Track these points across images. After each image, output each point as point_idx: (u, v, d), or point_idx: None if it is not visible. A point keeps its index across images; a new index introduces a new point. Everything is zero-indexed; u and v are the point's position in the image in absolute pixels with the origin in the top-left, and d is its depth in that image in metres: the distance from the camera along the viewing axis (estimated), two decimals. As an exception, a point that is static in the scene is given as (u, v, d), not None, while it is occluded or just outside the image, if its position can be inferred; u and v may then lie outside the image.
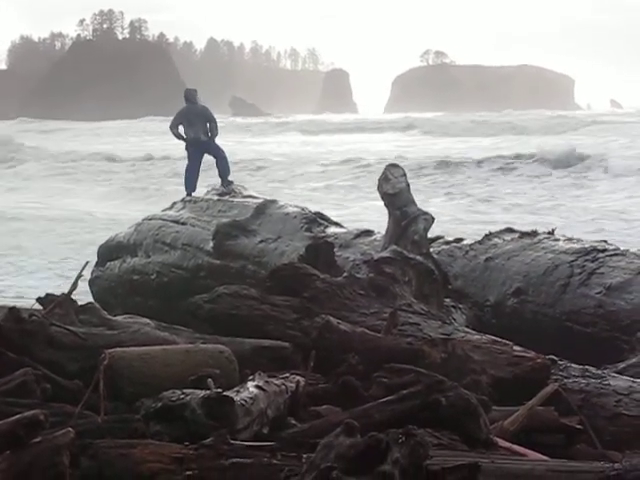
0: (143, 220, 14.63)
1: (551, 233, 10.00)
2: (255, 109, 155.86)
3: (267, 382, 5.18)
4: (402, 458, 3.61)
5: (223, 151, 15.80)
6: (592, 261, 9.09)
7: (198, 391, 4.85)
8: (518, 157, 40.84)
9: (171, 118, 16.34)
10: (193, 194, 15.15)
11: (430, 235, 9.99)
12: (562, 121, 78.40)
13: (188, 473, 4.19)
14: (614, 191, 32.56)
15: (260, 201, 13.29)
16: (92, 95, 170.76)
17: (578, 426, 5.64)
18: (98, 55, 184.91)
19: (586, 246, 9.38)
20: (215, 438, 4.33)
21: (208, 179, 16.51)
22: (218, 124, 16.13)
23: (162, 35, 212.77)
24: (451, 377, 5.26)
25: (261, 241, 12.28)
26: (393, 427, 3.91)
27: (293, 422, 5.16)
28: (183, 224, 13.65)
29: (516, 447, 4.96)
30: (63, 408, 5.21)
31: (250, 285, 7.98)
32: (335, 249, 9.10)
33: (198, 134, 15.70)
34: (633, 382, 6.29)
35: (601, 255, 9.12)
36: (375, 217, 18.62)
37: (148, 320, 7.17)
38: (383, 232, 10.34)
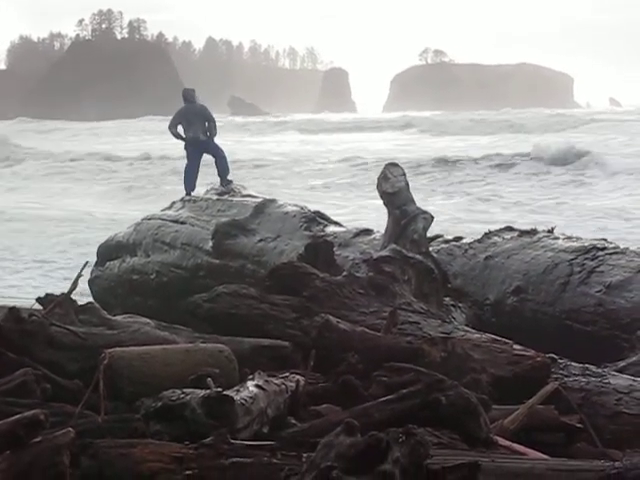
0: (142, 220, 14.63)
1: (551, 231, 10.00)
2: (254, 108, 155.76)
3: (267, 381, 5.18)
4: (402, 457, 3.61)
5: (222, 150, 15.79)
6: (592, 259, 9.08)
7: (198, 390, 4.85)
8: (517, 155, 40.84)
9: (170, 118, 16.32)
10: (192, 193, 15.15)
11: (429, 234, 9.99)
12: (561, 119, 78.43)
13: (188, 472, 4.19)
14: (613, 189, 32.56)
15: (259, 200, 13.29)
16: (91, 95, 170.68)
17: (578, 425, 5.64)
18: (97, 55, 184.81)
19: (586, 244, 9.38)
20: (215, 437, 4.33)
21: (207, 178, 16.50)
22: (217, 123, 16.12)
23: (161, 35, 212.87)
24: (451, 376, 5.25)
25: (260, 240, 12.28)
26: (393, 426, 3.91)
27: (293, 421, 5.16)
28: (182, 223, 13.65)
29: (516, 446, 4.96)
30: (63, 408, 5.21)
31: (249, 284, 7.98)
32: (334, 248, 9.09)
33: (197, 134, 15.69)
34: (633, 380, 6.29)
35: (601, 253, 9.12)
36: (374, 216, 18.63)
37: (148, 320, 7.18)
38: (382, 231, 10.34)
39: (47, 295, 7.20)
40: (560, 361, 6.52)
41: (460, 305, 9.08)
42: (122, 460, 4.26)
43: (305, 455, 4.07)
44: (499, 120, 79.70)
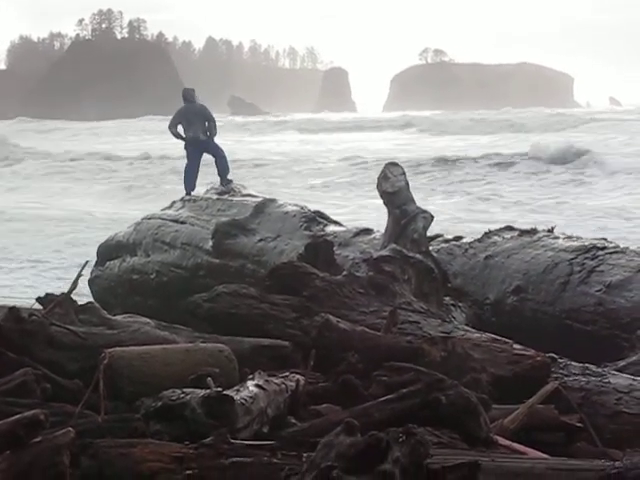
0: (142, 219, 14.63)
1: (550, 231, 10.00)
2: (254, 108, 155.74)
3: (267, 381, 5.18)
4: (402, 457, 3.61)
5: (222, 150, 15.79)
6: (592, 259, 9.08)
7: (198, 390, 4.85)
8: (517, 155, 40.84)
9: (170, 117, 16.32)
10: (192, 193, 15.15)
11: (429, 233, 9.99)
12: (561, 119, 78.47)
13: (188, 472, 4.18)
14: (613, 188, 32.56)
15: (259, 200, 13.29)
16: (91, 95, 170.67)
17: (578, 424, 5.64)
18: (97, 55, 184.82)
19: (586, 244, 9.37)
20: (215, 437, 4.33)
21: (207, 178, 16.50)
22: (217, 123, 16.12)
23: (161, 35, 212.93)
24: (451, 375, 5.25)
25: (260, 240, 12.28)
26: (393, 426, 3.91)
27: (293, 421, 5.15)
28: (182, 223, 13.65)
29: (516, 445, 4.95)
30: (63, 408, 5.21)
31: (249, 284, 7.98)
32: (334, 248, 9.09)
33: (197, 133, 15.69)
34: (633, 380, 6.29)
35: (601, 253, 9.11)
36: (374, 215, 18.63)
37: (148, 319, 7.18)
38: (382, 231, 10.33)
39: (47, 295, 7.21)
40: (560, 360, 6.52)
41: (460, 304, 9.07)
42: (122, 460, 4.26)
43: (305, 455, 4.07)
44: (499, 120, 79.71)
